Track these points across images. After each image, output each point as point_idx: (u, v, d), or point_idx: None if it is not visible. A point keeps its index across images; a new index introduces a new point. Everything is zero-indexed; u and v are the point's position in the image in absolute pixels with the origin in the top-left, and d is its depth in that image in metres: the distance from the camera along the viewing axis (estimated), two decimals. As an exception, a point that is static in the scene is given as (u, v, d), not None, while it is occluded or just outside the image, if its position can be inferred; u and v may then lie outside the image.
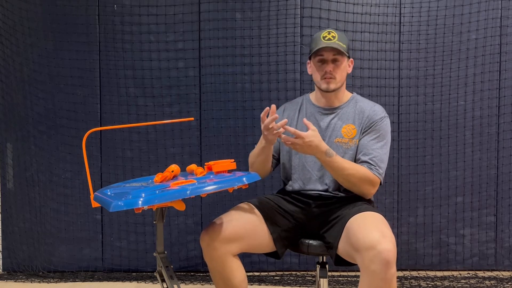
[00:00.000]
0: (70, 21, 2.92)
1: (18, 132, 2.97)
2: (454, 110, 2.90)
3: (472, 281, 2.76)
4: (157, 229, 1.58)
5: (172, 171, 1.59)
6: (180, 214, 2.92)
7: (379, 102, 2.77)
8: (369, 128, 1.75)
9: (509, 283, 2.72)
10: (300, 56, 2.89)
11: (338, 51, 1.72)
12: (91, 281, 2.84)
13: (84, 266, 2.98)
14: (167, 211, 1.62)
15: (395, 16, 2.88)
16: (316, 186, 1.78)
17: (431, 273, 2.89)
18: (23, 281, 2.85)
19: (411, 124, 2.90)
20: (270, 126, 1.60)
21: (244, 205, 1.76)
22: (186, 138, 2.93)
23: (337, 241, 1.60)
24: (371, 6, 2.87)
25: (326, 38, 1.74)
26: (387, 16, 2.88)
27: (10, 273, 2.99)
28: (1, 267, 3.03)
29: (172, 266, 1.60)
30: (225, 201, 2.88)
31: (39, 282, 2.83)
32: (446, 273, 2.89)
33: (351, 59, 1.84)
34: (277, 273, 2.93)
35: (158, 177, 1.55)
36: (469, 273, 2.88)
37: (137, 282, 2.81)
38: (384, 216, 1.61)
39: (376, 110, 1.78)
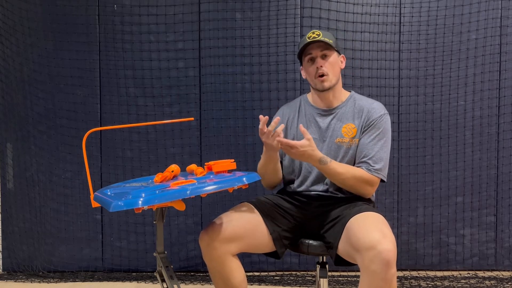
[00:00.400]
0: (70, 21, 2.92)
1: (18, 132, 2.97)
2: (454, 110, 2.90)
3: (472, 281, 2.76)
4: (157, 229, 1.58)
5: (172, 171, 1.59)
6: (180, 214, 2.92)
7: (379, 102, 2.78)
8: (368, 127, 1.74)
9: (509, 283, 2.72)
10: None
11: (325, 46, 1.74)
12: (91, 281, 2.84)
13: (84, 266, 2.98)
14: (167, 211, 1.62)
15: (395, 16, 2.88)
16: (316, 186, 1.78)
17: (431, 273, 2.89)
18: (23, 281, 2.85)
19: (411, 124, 2.90)
20: (265, 130, 1.60)
21: (243, 205, 1.76)
22: (186, 138, 2.93)
23: (337, 241, 1.60)
24: (371, 6, 2.87)
25: (311, 38, 1.75)
26: (387, 16, 2.88)
27: (10, 273, 2.99)
28: (1, 267, 3.03)
29: (172, 266, 1.59)
30: (225, 201, 2.88)
31: (39, 282, 2.83)
32: (446, 273, 2.89)
33: (342, 55, 1.83)
34: (277, 273, 2.93)
35: (158, 177, 1.55)
36: (469, 273, 2.88)
37: (137, 282, 2.81)
38: (384, 216, 1.61)
39: (375, 108, 1.77)
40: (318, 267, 1.77)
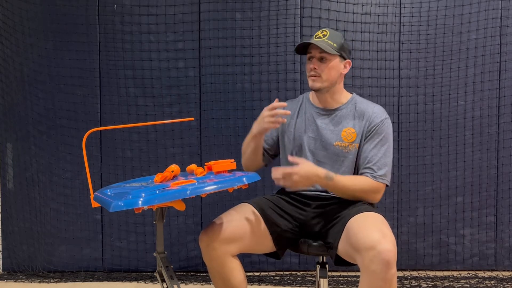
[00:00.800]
0: (70, 21, 2.92)
1: (18, 132, 2.97)
2: (454, 110, 2.90)
3: (472, 281, 2.76)
4: (157, 229, 1.58)
5: (172, 171, 1.59)
6: (180, 214, 2.92)
7: (379, 102, 2.78)
8: (370, 133, 1.72)
9: (509, 283, 2.72)
10: (300, 56, 2.88)
11: (323, 50, 1.71)
12: (91, 281, 2.84)
13: (84, 266, 2.98)
14: (167, 211, 1.62)
15: (395, 16, 2.88)
16: (316, 187, 1.77)
17: (431, 273, 2.89)
18: (23, 281, 2.85)
19: (411, 124, 2.90)
20: (274, 110, 1.64)
21: (243, 206, 1.75)
22: (186, 138, 2.93)
23: (337, 241, 1.60)
24: (371, 6, 2.87)
25: (317, 37, 1.74)
26: (387, 16, 2.88)
27: (10, 273, 2.99)
28: (1, 267, 3.03)
29: (172, 266, 1.59)
30: (225, 201, 2.88)
31: (39, 282, 2.83)
32: (446, 273, 2.89)
33: (347, 60, 1.78)
34: (277, 273, 2.93)
35: (158, 177, 1.55)
36: (469, 273, 2.88)
37: (137, 282, 2.81)
38: (384, 216, 1.61)
39: (376, 113, 1.75)
40: (318, 267, 1.77)
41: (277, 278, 2.85)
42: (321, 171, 1.62)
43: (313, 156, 1.77)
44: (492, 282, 2.74)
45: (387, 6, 2.88)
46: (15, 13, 2.92)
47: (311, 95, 1.87)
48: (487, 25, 2.87)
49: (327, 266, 1.76)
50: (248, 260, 2.89)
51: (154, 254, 1.60)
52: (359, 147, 1.74)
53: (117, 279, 2.86)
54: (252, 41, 2.90)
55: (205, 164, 1.63)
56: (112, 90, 2.94)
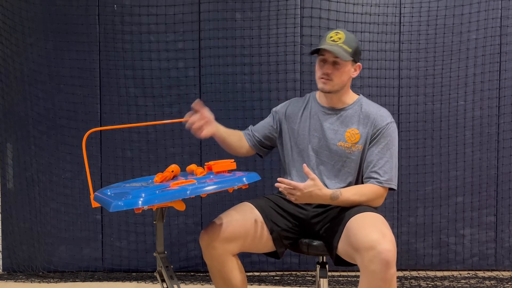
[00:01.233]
0: (70, 21, 2.92)
1: (18, 132, 2.97)
2: (454, 110, 2.90)
3: (472, 281, 2.76)
4: (157, 229, 1.58)
5: (172, 171, 1.59)
6: (180, 214, 2.92)
7: (379, 102, 2.77)
8: (376, 137, 1.72)
9: (509, 283, 2.72)
10: (300, 56, 2.89)
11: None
12: (91, 281, 2.84)
13: (84, 266, 2.98)
14: (167, 211, 1.62)
15: (395, 16, 2.88)
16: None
17: (431, 273, 2.89)
18: (23, 281, 2.85)
19: (411, 124, 2.90)
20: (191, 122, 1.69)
21: (243, 205, 1.76)
22: (186, 138, 2.93)
23: (337, 241, 1.60)
24: (371, 6, 2.87)
25: (331, 39, 1.69)
26: (387, 16, 2.88)
27: (10, 273, 2.99)
28: (1, 267, 3.03)
29: (172, 266, 1.60)
30: (225, 201, 2.88)
31: (39, 282, 2.83)
32: (446, 273, 2.89)
33: (358, 64, 1.76)
34: (277, 273, 2.93)
35: (158, 177, 1.55)
36: (469, 273, 2.88)
37: (137, 282, 2.81)
38: (384, 216, 1.61)
39: (382, 116, 1.74)
40: (318, 267, 1.77)
41: (277, 278, 2.85)
42: (326, 193, 1.59)
43: (315, 155, 1.77)
44: (492, 282, 2.74)
45: (387, 6, 2.88)
46: (15, 13, 2.92)
47: (318, 94, 1.86)
48: (487, 25, 2.87)
49: (327, 266, 1.77)
50: (248, 260, 2.89)
51: (154, 254, 1.60)
52: (363, 149, 1.73)
53: (117, 279, 2.86)
54: (252, 41, 2.90)
55: (205, 164, 1.63)
56: (112, 90, 2.94)
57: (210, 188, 1.36)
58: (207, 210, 2.93)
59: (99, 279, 2.86)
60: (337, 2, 2.86)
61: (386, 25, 2.88)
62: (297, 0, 2.88)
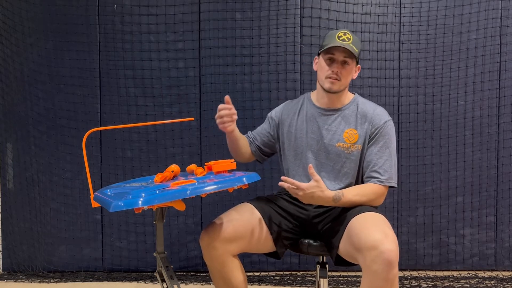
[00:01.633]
0: (70, 21, 2.92)
1: (18, 132, 2.97)
2: (454, 110, 2.90)
3: (472, 281, 2.76)
4: (157, 229, 1.58)
5: (172, 171, 1.59)
6: (180, 214, 2.92)
7: (379, 102, 2.78)
8: (374, 136, 1.72)
9: (509, 283, 2.72)
10: (300, 56, 2.89)
11: (349, 54, 1.68)
12: (91, 281, 2.84)
13: (84, 266, 2.98)
14: (167, 211, 1.62)
15: (395, 16, 2.88)
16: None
17: (431, 273, 2.89)
18: (23, 281, 2.85)
19: (411, 124, 2.90)
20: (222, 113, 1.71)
21: (243, 205, 1.76)
22: (186, 138, 2.93)
23: (338, 241, 1.60)
24: (371, 6, 2.87)
25: (341, 38, 1.68)
26: (387, 16, 2.88)
27: (10, 273, 2.99)
28: (1, 267, 3.03)
29: (172, 266, 1.59)
30: (225, 201, 2.88)
31: (39, 282, 2.83)
32: (446, 273, 2.89)
33: (358, 65, 1.78)
34: (277, 273, 2.93)
35: (158, 177, 1.55)
36: (469, 273, 2.88)
37: (137, 282, 2.81)
38: (385, 216, 1.61)
39: (379, 114, 1.74)
40: (318, 267, 1.77)
41: (277, 278, 2.85)
42: (328, 195, 1.59)
43: (314, 157, 1.77)
44: (492, 282, 2.74)
45: (387, 6, 2.88)
46: (15, 13, 2.92)
47: (313, 95, 1.86)
48: (487, 25, 2.87)
49: (327, 266, 1.76)
50: (248, 260, 2.89)
51: (154, 254, 1.60)
52: (362, 148, 1.73)
53: (117, 279, 2.86)
54: (252, 41, 2.90)
55: (205, 164, 1.63)
56: (112, 90, 2.94)
57: (210, 188, 1.36)
58: (207, 210, 2.93)
59: (99, 279, 2.86)
60: (337, 2, 2.86)
61: (386, 25, 2.89)
62: (297, 0, 2.88)
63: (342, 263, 1.67)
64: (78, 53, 2.93)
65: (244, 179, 1.45)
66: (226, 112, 1.73)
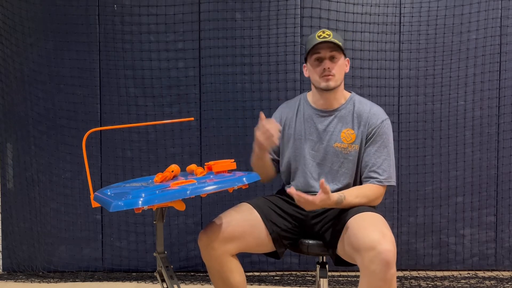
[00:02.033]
0: (70, 21, 2.92)
1: (18, 132, 2.97)
2: (454, 110, 2.90)
3: (472, 281, 2.76)
4: (157, 229, 1.58)
5: (172, 171, 1.59)
6: (180, 214, 2.92)
7: (379, 102, 2.78)
8: (372, 137, 1.72)
9: (509, 283, 2.72)
10: (300, 56, 2.89)
11: (334, 47, 1.69)
12: (91, 281, 2.84)
13: (84, 266, 2.98)
14: (167, 211, 1.62)
15: (395, 16, 2.88)
16: (316, 187, 1.77)
17: (431, 273, 2.89)
18: (23, 281, 2.85)
19: (411, 124, 2.90)
20: (265, 126, 1.58)
21: (243, 205, 1.75)
22: (186, 138, 2.93)
23: (337, 241, 1.60)
24: (371, 6, 2.87)
25: (321, 37, 1.70)
26: (387, 16, 2.88)
27: (10, 273, 2.99)
28: (1, 267, 3.03)
29: (172, 266, 1.59)
30: (225, 201, 2.88)
31: (39, 282, 2.83)
32: (446, 273, 2.89)
33: (347, 58, 1.79)
34: (277, 273, 2.93)
35: (158, 177, 1.55)
36: (469, 273, 2.88)
37: (137, 282, 2.81)
38: (384, 216, 1.61)
39: (375, 114, 1.74)
40: (318, 267, 1.77)
41: (277, 278, 2.85)
42: (332, 199, 1.56)
43: (312, 158, 1.77)
44: (492, 282, 2.74)
45: (387, 6, 2.88)
46: (15, 13, 2.92)
47: (310, 96, 1.86)
48: (487, 25, 2.87)
49: (327, 266, 1.76)
50: (248, 260, 2.89)
51: (154, 254, 1.60)
52: (360, 148, 1.73)
53: (117, 279, 2.86)
54: (252, 41, 2.90)
55: (205, 164, 1.63)
56: (112, 90, 2.94)
57: (210, 188, 1.36)
58: (207, 210, 2.93)
59: (99, 279, 2.86)
60: (337, 2, 2.86)
61: (386, 25, 2.88)
62: (297, 0, 2.88)
63: (342, 263, 1.67)
64: (78, 53, 2.93)
65: (244, 179, 1.45)
66: (264, 136, 1.61)
